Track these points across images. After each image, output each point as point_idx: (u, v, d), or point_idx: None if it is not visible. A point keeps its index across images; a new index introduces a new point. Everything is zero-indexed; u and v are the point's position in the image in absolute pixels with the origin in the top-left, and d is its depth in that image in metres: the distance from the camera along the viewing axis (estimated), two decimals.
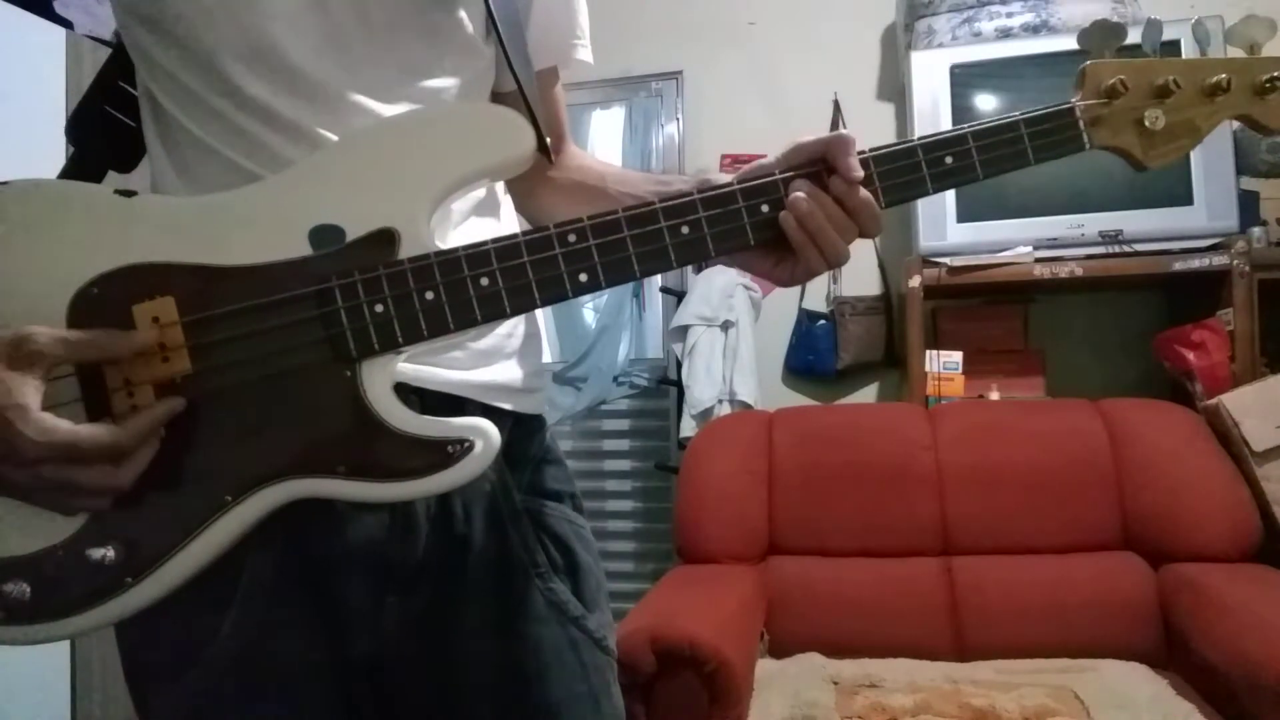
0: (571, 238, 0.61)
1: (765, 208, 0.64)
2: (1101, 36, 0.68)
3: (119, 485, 0.55)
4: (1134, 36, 0.70)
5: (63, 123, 0.73)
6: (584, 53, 0.81)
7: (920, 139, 0.66)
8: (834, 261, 0.65)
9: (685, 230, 0.63)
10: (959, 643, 1.78)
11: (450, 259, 0.60)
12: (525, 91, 0.67)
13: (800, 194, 0.64)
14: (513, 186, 0.81)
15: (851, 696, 1.55)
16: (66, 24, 1.89)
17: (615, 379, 2.75)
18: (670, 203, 0.63)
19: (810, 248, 0.64)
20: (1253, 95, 0.69)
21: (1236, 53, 0.70)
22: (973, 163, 0.66)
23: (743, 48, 2.69)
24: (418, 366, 0.64)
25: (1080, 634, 1.71)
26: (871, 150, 0.66)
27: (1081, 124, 0.68)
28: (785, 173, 0.65)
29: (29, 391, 0.52)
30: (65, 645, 1.99)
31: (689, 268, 2.65)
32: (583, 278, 0.61)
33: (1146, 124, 0.68)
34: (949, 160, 0.66)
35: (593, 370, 2.76)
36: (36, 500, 0.55)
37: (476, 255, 0.60)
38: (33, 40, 1.92)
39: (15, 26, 1.85)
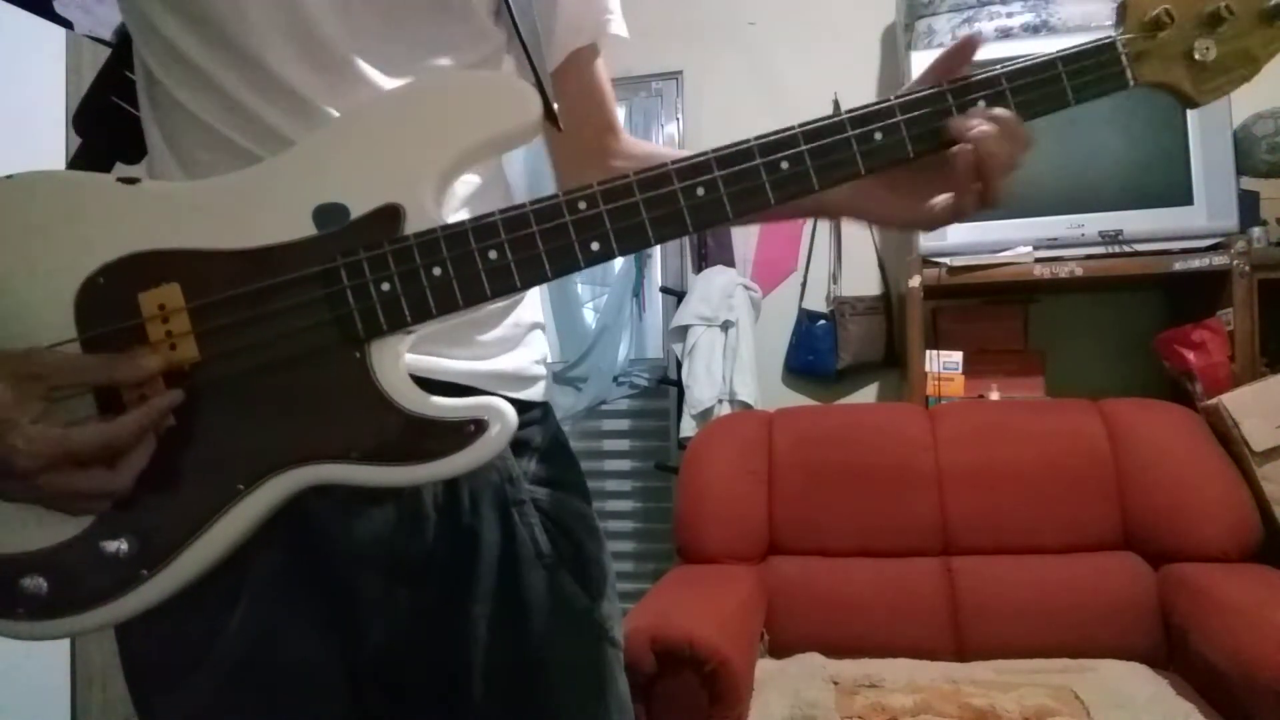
0: (582, 205, 0.59)
1: (785, 164, 0.61)
2: None
3: (116, 487, 0.54)
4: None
5: (63, 122, 0.73)
6: (618, 26, 0.79)
7: (949, 84, 0.63)
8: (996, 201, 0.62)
9: (701, 191, 0.60)
10: (959, 643, 1.78)
11: (457, 232, 0.58)
12: (534, 62, 0.66)
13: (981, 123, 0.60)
14: (575, 173, 0.80)
15: (851, 696, 1.55)
16: (66, 24, 1.89)
17: (615, 379, 2.74)
18: (683, 164, 0.60)
19: (974, 192, 0.61)
20: None
21: None
22: (1007, 105, 0.62)
23: (743, 48, 2.69)
24: (421, 357, 0.63)
25: (1080, 634, 1.71)
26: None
27: (1125, 59, 0.63)
28: (803, 125, 0.62)
29: (23, 406, 0.52)
30: (65, 645, 1.99)
31: (690, 268, 2.65)
32: (595, 246, 0.59)
33: (1196, 56, 0.63)
34: (982, 105, 0.62)
35: (593, 370, 2.75)
36: (43, 505, 0.55)
37: (483, 227, 0.58)
38: (33, 40, 1.92)
39: (15, 26, 1.85)
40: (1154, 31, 0.63)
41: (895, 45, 2.50)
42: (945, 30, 2.22)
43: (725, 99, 2.69)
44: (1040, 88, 0.63)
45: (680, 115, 2.76)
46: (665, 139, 2.77)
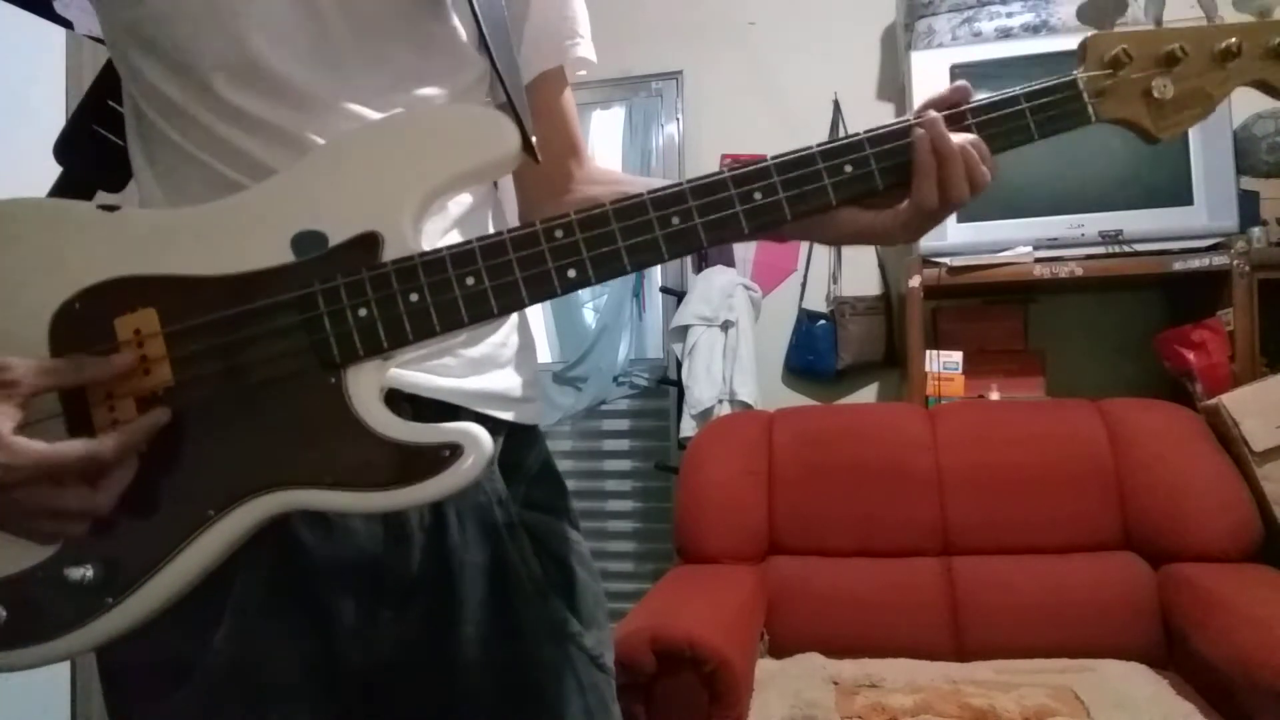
0: (559, 233, 0.59)
1: (758, 195, 0.63)
2: (1102, 10, 0.67)
3: (97, 507, 0.53)
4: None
5: (63, 123, 0.73)
6: (583, 49, 0.79)
7: (917, 118, 0.65)
8: (961, 198, 0.64)
9: (676, 221, 0.61)
10: (959, 643, 1.78)
11: (434, 259, 0.58)
12: (511, 95, 0.66)
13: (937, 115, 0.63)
14: (538, 199, 0.80)
15: (851, 696, 1.55)
16: (66, 24, 1.88)
17: (615, 379, 2.75)
18: (659, 194, 0.61)
19: (933, 177, 0.63)
20: (1266, 59, 0.66)
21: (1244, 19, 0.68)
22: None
23: (743, 48, 2.69)
24: (410, 373, 0.63)
25: (1080, 634, 1.71)
26: (862, 133, 0.65)
27: (1086, 96, 0.66)
28: (776, 158, 0.63)
29: (2, 419, 0.51)
30: None
31: (690, 268, 2.65)
32: (571, 274, 0.59)
33: (1155, 94, 0.66)
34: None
35: (593, 370, 2.76)
36: (12, 528, 0.54)
37: (461, 255, 0.58)
38: (33, 40, 1.92)
39: (15, 26, 1.85)
40: (1114, 70, 0.66)
41: (895, 45, 2.49)
42: (945, 30, 2.22)
43: (725, 99, 2.69)
44: (1005, 122, 0.65)
45: (680, 115, 2.76)
46: (665, 139, 2.77)
